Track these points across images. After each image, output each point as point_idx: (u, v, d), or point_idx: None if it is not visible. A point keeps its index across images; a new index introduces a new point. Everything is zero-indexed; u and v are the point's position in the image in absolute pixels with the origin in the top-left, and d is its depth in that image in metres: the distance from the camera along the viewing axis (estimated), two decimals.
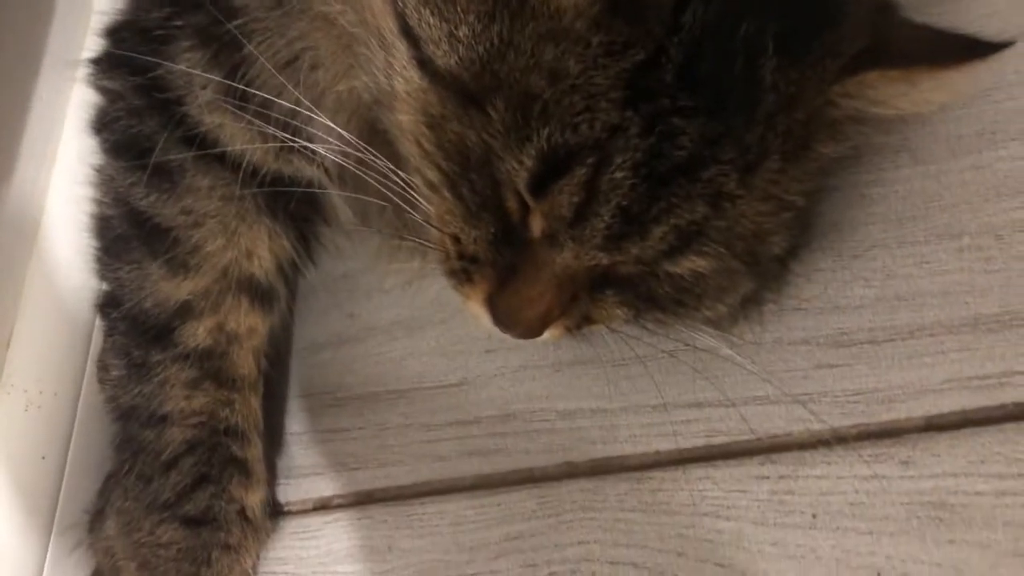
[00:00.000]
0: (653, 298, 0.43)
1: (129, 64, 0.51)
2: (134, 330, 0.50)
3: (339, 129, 0.44)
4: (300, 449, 0.54)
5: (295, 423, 0.55)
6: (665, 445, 0.45)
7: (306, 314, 0.57)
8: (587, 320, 0.43)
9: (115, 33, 0.52)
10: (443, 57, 0.38)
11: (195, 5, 0.48)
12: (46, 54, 0.55)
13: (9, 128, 0.53)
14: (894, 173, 0.45)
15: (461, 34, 0.38)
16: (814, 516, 0.41)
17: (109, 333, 0.52)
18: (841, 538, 0.40)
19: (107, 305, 0.52)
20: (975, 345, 0.41)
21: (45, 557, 0.49)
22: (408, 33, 0.39)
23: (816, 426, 0.42)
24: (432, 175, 0.41)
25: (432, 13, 0.38)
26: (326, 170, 0.50)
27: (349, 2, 0.43)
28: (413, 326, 0.54)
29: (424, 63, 0.39)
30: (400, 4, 0.39)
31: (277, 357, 0.55)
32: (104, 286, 0.52)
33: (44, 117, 0.55)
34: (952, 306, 0.42)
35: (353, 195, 0.47)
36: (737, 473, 0.43)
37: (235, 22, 0.46)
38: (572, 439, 0.47)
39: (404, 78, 0.40)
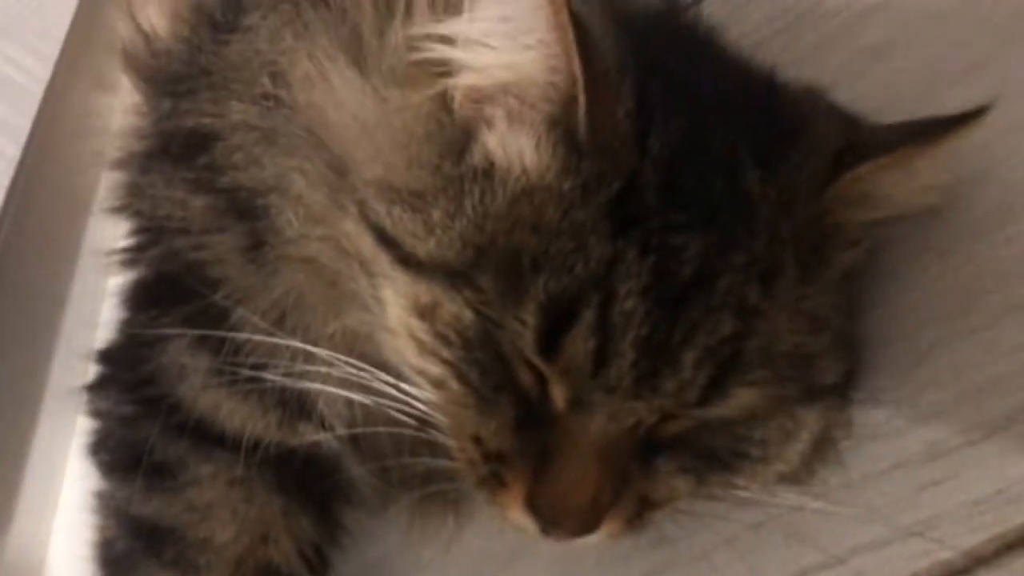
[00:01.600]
0: (713, 456, 0.38)
1: (115, 375, 0.50)
2: None
3: (337, 356, 0.42)
4: None
5: None
6: None
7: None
8: (647, 503, 0.38)
9: (106, 354, 0.51)
10: (423, 246, 0.37)
11: (177, 297, 0.48)
12: (47, 390, 0.54)
13: (12, 470, 0.50)
14: (925, 275, 0.42)
15: (435, 219, 0.37)
16: None
17: None
18: None
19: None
20: None
21: None
22: (385, 239, 0.38)
23: (945, 554, 0.35)
24: (435, 370, 0.38)
25: (403, 210, 0.38)
26: (333, 431, 0.47)
27: (324, 240, 0.42)
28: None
29: (406, 260, 0.38)
30: (372, 217, 0.39)
31: None
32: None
33: (46, 459, 0.53)
34: None
35: (365, 431, 0.44)
36: None
37: (217, 295, 0.45)
38: None
39: (390, 282, 0.38)
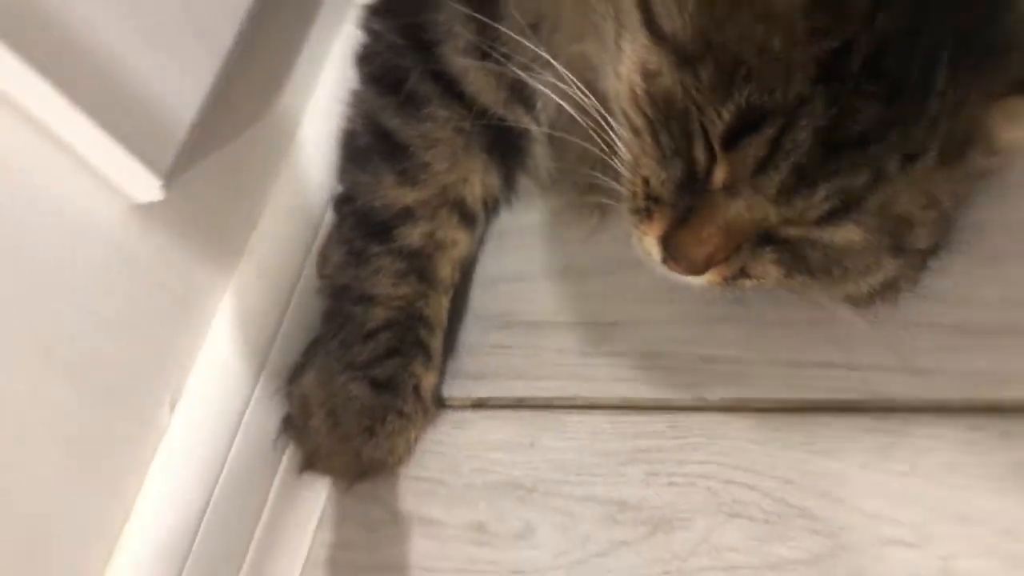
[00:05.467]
0: (806, 262, 0.50)
1: (397, 10, 0.62)
2: (360, 225, 0.61)
3: (569, 75, 0.54)
4: (467, 356, 0.63)
5: (467, 335, 0.64)
6: (791, 395, 0.52)
7: (492, 250, 0.66)
8: (743, 273, 0.51)
9: (372, 30, 0.63)
10: (670, 24, 0.47)
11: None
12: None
13: (283, 58, 0.65)
14: None
15: (690, 7, 0.47)
16: (912, 467, 0.47)
17: (337, 226, 0.63)
18: (935, 487, 0.46)
19: (341, 202, 0.63)
20: None
21: (253, 393, 0.60)
22: (644, 5, 0.49)
23: (927, 395, 0.48)
24: (638, 120, 0.49)
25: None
26: (540, 125, 0.60)
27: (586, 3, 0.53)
28: (582, 273, 0.63)
29: (653, 28, 0.48)
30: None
31: (463, 276, 0.65)
32: (340, 187, 0.63)
33: (313, 50, 0.67)
34: None
35: (563, 135, 0.56)
36: (850, 424, 0.49)
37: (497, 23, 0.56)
38: (708, 379, 0.55)
39: (632, 38, 0.49)
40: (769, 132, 0.45)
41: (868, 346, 0.51)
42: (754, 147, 0.45)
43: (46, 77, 0.45)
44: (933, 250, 0.51)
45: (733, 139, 0.46)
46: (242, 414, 0.59)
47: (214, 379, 0.58)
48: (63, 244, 0.50)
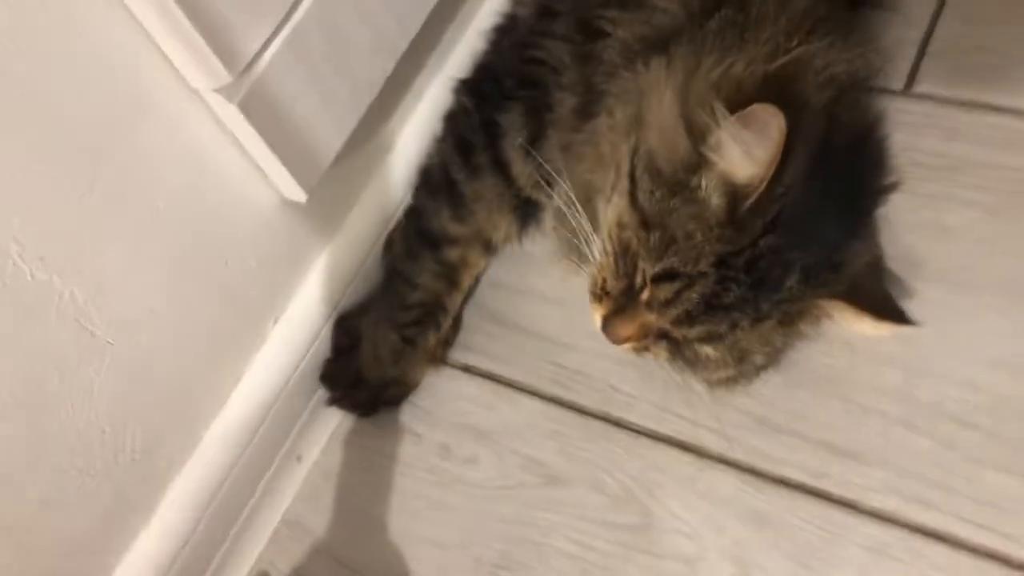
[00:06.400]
0: (683, 355, 0.79)
1: (480, 95, 0.89)
2: (419, 234, 0.90)
3: (571, 196, 0.82)
4: (466, 333, 0.94)
5: (469, 317, 0.94)
6: (654, 426, 0.83)
7: (505, 261, 0.96)
8: (646, 349, 0.81)
9: (475, 80, 0.91)
10: (642, 197, 0.75)
11: (528, 84, 0.86)
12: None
13: (393, 95, 0.92)
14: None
15: (657, 195, 0.74)
16: (707, 494, 0.79)
17: (404, 227, 0.92)
18: (714, 507, 0.78)
19: (411, 212, 0.92)
20: None
21: (323, 328, 0.91)
22: (632, 177, 0.76)
23: (729, 454, 0.80)
24: (608, 246, 0.78)
25: (647, 172, 0.75)
26: (552, 202, 0.88)
27: (610, 137, 0.80)
28: (558, 302, 0.92)
29: (632, 195, 0.76)
30: (634, 158, 0.76)
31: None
32: (412, 202, 0.92)
33: (415, 91, 0.94)
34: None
35: (560, 228, 0.85)
36: (676, 455, 0.81)
37: (547, 116, 0.84)
38: (609, 399, 0.86)
39: (619, 194, 0.77)
40: (677, 285, 0.74)
41: (706, 411, 0.82)
42: (666, 291, 0.74)
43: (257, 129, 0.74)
44: (764, 368, 0.81)
45: (657, 280, 0.75)
46: (312, 342, 0.90)
47: (303, 312, 0.89)
48: (235, 214, 0.80)
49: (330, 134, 0.81)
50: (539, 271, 0.95)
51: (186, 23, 0.65)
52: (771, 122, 0.67)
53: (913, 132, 0.90)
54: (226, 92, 0.71)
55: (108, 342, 0.72)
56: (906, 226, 0.85)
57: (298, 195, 0.81)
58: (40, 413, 0.70)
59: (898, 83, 0.94)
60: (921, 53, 0.94)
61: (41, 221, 0.65)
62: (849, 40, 0.80)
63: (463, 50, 0.96)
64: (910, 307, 0.79)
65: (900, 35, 0.95)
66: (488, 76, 0.91)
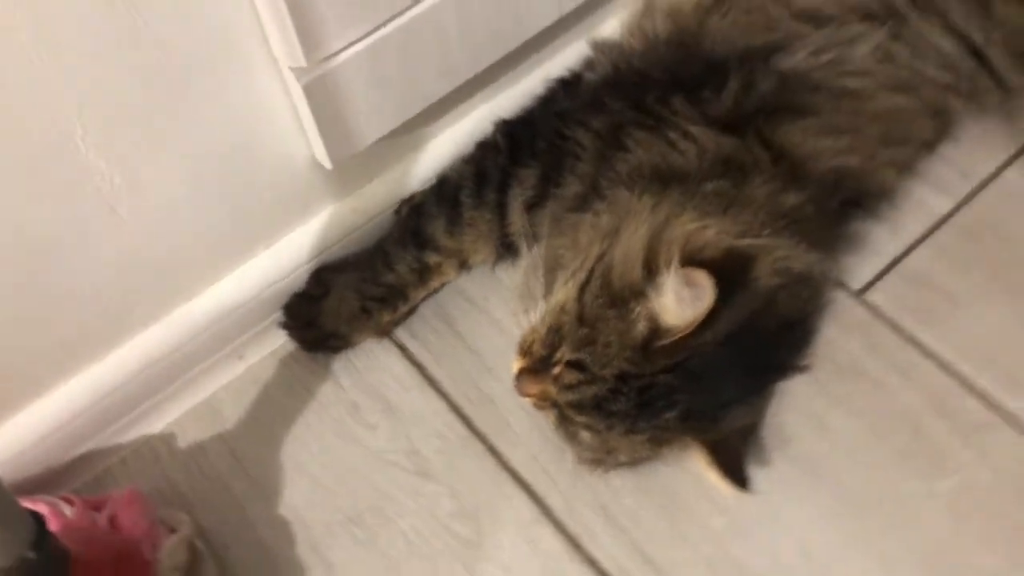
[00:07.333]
0: (565, 427, 0.92)
1: (513, 140, 1.01)
2: (413, 229, 1.02)
3: (541, 260, 0.95)
4: (416, 320, 1.07)
5: (424, 308, 1.08)
6: (518, 465, 0.98)
7: (493, 285, 1.09)
8: (542, 409, 0.95)
9: (515, 124, 1.03)
10: (588, 297, 0.87)
11: (553, 154, 0.98)
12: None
13: (438, 109, 1.04)
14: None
15: (600, 300, 0.85)
16: (535, 543, 0.94)
17: (403, 216, 1.05)
18: (556, 544, 0.93)
19: (414, 206, 1.04)
20: None
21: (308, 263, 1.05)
22: (589, 274, 0.88)
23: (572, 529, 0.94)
24: (547, 318, 0.89)
25: (598, 283, 0.87)
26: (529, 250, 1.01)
27: (588, 236, 0.92)
28: (504, 331, 1.05)
29: (580, 291, 0.88)
30: (595, 265, 0.88)
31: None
32: (418, 199, 1.05)
33: (461, 108, 1.06)
34: None
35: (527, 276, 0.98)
36: (513, 488, 0.96)
37: (553, 189, 0.96)
38: (502, 431, 1.00)
39: (574, 283, 0.90)
40: (581, 377, 0.87)
41: (565, 477, 0.96)
42: (571, 377, 0.87)
43: (311, 109, 0.86)
44: (625, 465, 0.95)
45: (568, 365, 0.88)
46: (289, 275, 1.03)
47: (291, 249, 1.02)
48: (270, 155, 0.93)
49: (372, 128, 0.93)
50: (501, 298, 1.08)
51: (284, 6, 0.77)
52: (705, 290, 0.80)
53: (845, 332, 1.02)
54: (298, 72, 0.83)
55: (125, 220, 0.86)
56: (795, 407, 0.98)
57: (326, 162, 0.94)
58: (46, 267, 0.84)
59: (857, 284, 1.05)
60: (888, 268, 1.06)
61: (107, 114, 0.78)
62: (817, 246, 0.92)
63: (519, 91, 1.07)
64: (759, 473, 0.93)
65: (880, 246, 1.07)
66: (527, 127, 1.03)
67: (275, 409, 1.04)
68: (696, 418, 0.88)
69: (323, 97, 0.86)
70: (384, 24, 0.85)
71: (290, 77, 0.84)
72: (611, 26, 1.12)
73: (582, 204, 0.95)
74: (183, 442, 1.03)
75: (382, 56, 0.87)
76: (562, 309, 0.89)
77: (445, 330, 1.07)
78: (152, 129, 0.82)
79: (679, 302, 0.83)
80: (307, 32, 0.80)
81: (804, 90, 0.96)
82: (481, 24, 0.93)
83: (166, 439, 1.03)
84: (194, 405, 1.05)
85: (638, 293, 0.85)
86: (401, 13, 0.85)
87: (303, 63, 0.82)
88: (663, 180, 0.91)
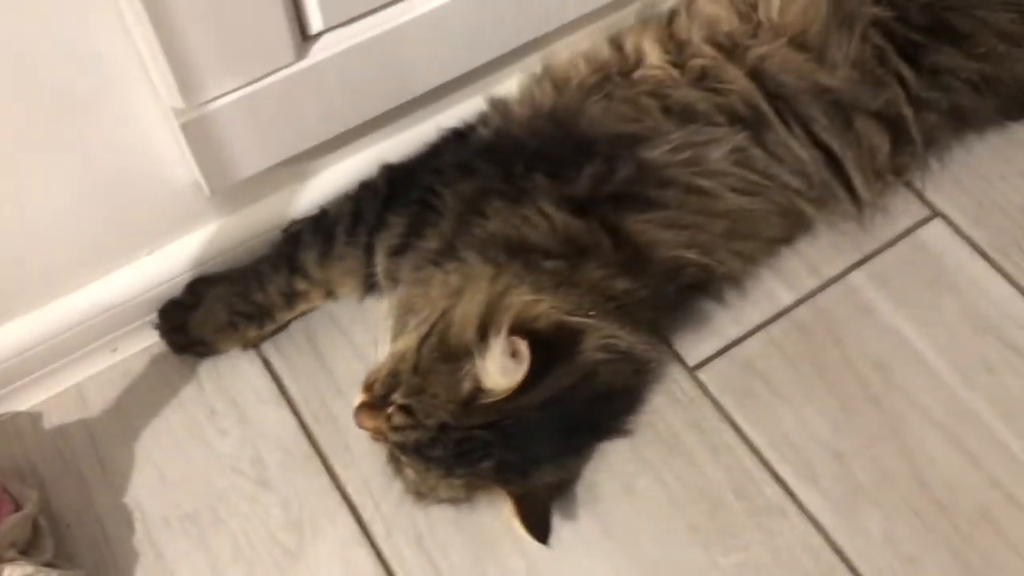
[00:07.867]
0: (395, 461, 1.01)
1: (393, 188, 1.09)
2: (288, 255, 1.10)
3: (395, 304, 1.03)
4: (283, 338, 1.15)
5: (294, 326, 1.16)
6: (348, 485, 1.06)
7: (362, 313, 1.16)
8: (377, 439, 1.03)
9: (397, 171, 1.10)
10: (426, 350, 0.95)
11: (422, 207, 1.05)
12: None
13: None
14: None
15: (435, 354, 0.93)
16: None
17: (283, 243, 1.11)
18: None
19: (296, 230, 1.11)
20: None
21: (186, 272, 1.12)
22: (431, 328, 0.96)
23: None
24: (389, 361, 0.98)
25: (436, 339, 0.95)
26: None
27: (438, 292, 1.00)
28: (362, 357, 1.11)
29: (422, 341, 0.96)
30: (437, 320, 0.97)
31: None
32: (300, 226, 1.12)
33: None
34: None
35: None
36: (340, 506, 1.04)
37: (415, 241, 1.04)
38: (340, 452, 1.08)
39: (417, 334, 0.97)
40: (408, 421, 0.95)
41: (390, 504, 1.04)
42: (400, 419, 0.95)
43: (189, 146, 0.93)
44: (446, 502, 1.03)
45: (399, 408, 0.96)
46: (168, 281, 1.10)
47: (172, 258, 1.09)
48: (156, 173, 0.99)
49: (251, 163, 1.00)
50: (365, 326, 1.15)
51: (160, 53, 0.83)
52: (524, 360, 0.89)
53: (672, 404, 1.11)
54: (177, 112, 0.90)
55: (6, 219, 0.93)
56: (609, 467, 1.07)
57: (205, 190, 1.00)
58: None
59: (692, 360, 1.14)
60: (723, 351, 1.14)
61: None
62: (643, 329, 1.01)
63: (410, 136, 1.14)
64: (565, 526, 1.02)
65: (721, 327, 1.15)
66: (407, 176, 1.10)
67: (138, 402, 1.11)
68: (508, 470, 0.96)
69: (200, 135, 0.92)
70: (262, 78, 0.91)
71: (171, 114, 0.90)
72: (509, 85, 1.19)
73: (438, 260, 1.03)
74: (47, 423, 1.10)
75: (261, 105, 0.93)
76: (403, 356, 0.97)
77: (308, 349, 1.15)
78: (39, 148, 0.89)
79: (502, 367, 0.91)
80: (184, 78, 0.86)
81: (657, 183, 1.04)
82: (365, 83, 0.99)
83: (32, 417, 1.10)
84: (65, 389, 1.12)
85: (468, 354, 0.93)
86: (279, 69, 0.91)
87: (181, 105, 0.88)
88: (511, 251, 0.99)
